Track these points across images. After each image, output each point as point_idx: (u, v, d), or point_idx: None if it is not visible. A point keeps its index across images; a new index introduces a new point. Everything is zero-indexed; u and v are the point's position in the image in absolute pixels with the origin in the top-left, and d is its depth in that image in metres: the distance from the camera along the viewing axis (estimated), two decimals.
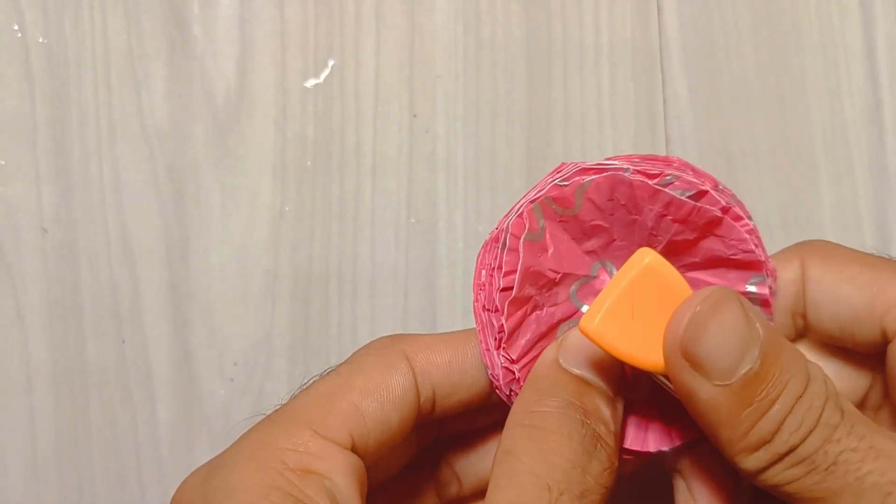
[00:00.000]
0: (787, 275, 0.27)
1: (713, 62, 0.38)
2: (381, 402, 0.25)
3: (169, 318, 0.36)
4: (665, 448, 0.26)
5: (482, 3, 0.38)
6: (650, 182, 0.26)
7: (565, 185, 0.26)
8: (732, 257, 0.26)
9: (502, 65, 0.38)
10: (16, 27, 0.37)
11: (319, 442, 0.24)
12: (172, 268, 0.37)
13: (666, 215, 0.26)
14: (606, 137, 0.37)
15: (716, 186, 0.26)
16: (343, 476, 0.24)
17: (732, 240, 0.26)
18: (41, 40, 0.37)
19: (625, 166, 0.26)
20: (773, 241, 0.37)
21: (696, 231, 0.26)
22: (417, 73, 0.37)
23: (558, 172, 0.27)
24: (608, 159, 0.26)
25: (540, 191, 0.26)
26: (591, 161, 0.27)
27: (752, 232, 0.27)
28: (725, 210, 0.26)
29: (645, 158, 0.27)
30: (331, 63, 0.37)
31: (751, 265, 0.26)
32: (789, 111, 0.38)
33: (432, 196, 0.37)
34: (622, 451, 0.26)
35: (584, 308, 0.27)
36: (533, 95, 0.38)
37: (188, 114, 0.37)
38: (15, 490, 0.36)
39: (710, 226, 0.26)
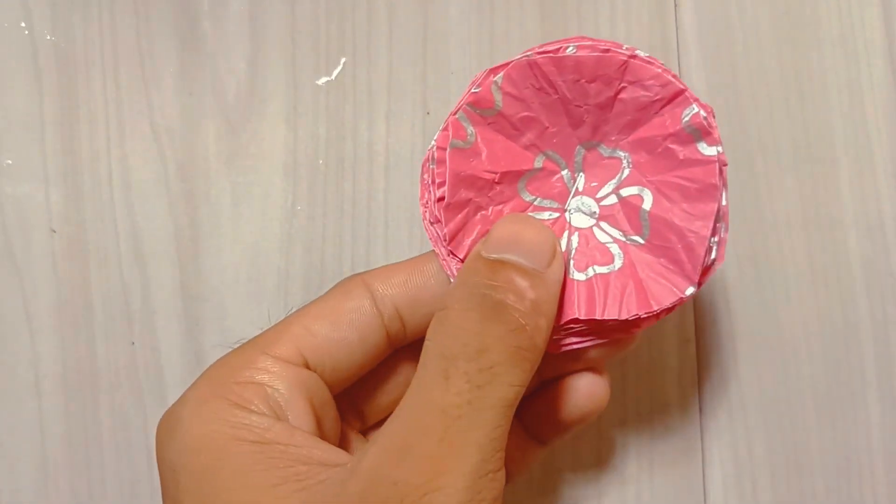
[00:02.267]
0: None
1: (731, 57, 0.37)
2: (333, 323, 0.28)
3: (180, 319, 0.36)
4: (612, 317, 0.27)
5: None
6: (553, 55, 0.27)
7: (479, 90, 0.27)
8: (656, 98, 0.27)
9: None
10: (23, 24, 0.36)
11: (268, 360, 0.27)
12: (183, 268, 0.36)
13: (579, 79, 0.27)
14: None
15: (618, 46, 0.27)
16: (285, 384, 0.26)
17: (648, 80, 0.27)
18: (49, 38, 0.36)
19: (527, 53, 0.27)
20: (794, 240, 0.37)
21: (612, 86, 0.27)
22: (431, 70, 0.37)
23: (473, 82, 0.28)
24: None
25: (460, 102, 0.28)
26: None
27: (666, 70, 0.27)
28: (632, 55, 0.27)
29: (547, 43, 0.28)
30: (343, 60, 0.37)
31: (677, 98, 0.27)
32: (809, 106, 0.37)
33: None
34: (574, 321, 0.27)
35: (536, 201, 0.29)
36: None
37: (199, 112, 0.36)
38: (26, 493, 0.35)
39: (623, 73, 0.27)
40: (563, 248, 0.28)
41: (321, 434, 0.27)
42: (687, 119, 0.27)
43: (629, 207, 0.28)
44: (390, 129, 0.37)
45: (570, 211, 0.29)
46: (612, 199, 0.29)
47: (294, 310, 0.29)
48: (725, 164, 0.27)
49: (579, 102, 0.28)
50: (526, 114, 0.28)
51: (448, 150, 0.27)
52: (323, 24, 0.37)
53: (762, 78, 0.37)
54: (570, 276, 0.28)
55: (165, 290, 0.36)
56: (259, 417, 0.25)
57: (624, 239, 0.28)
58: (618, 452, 0.36)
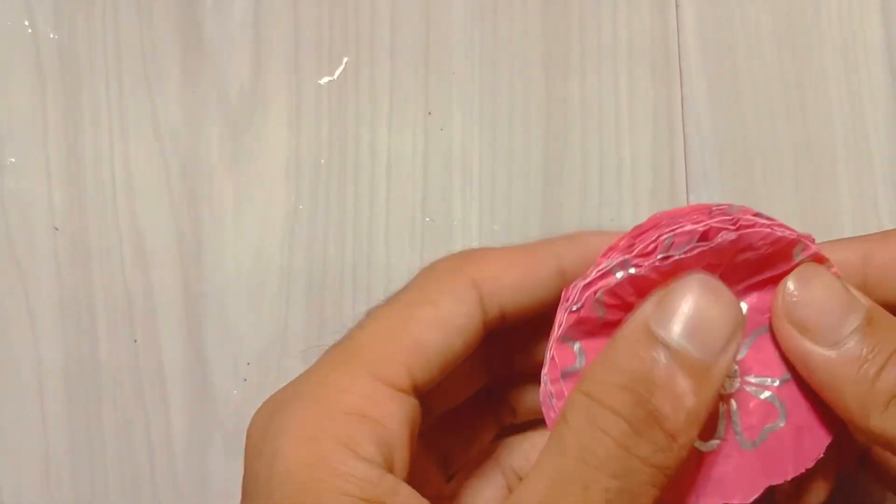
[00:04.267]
0: (849, 263, 0.27)
1: (732, 61, 0.38)
2: (445, 333, 0.25)
3: (182, 319, 0.36)
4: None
5: (499, 1, 0.37)
6: (653, 262, 0.25)
7: (580, 308, 0.25)
8: (767, 252, 0.25)
9: (519, 63, 0.37)
10: (26, 23, 0.36)
11: (377, 386, 0.24)
12: (186, 267, 0.36)
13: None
14: (623, 137, 0.37)
15: (710, 213, 0.25)
16: (396, 422, 0.24)
17: (759, 241, 0.25)
18: (52, 36, 0.36)
19: (624, 261, 0.25)
20: None
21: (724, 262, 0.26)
22: (433, 71, 0.37)
23: (567, 301, 0.26)
24: (602, 257, 0.25)
25: (560, 326, 0.25)
26: (591, 269, 0.25)
27: (770, 224, 0.26)
28: (736, 226, 0.25)
29: (637, 234, 0.26)
30: (345, 60, 0.37)
31: (788, 244, 0.25)
32: (810, 111, 0.38)
33: (447, 195, 0.37)
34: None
35: None
36: (550, 94, 0.37)
37: (201, 113, 0.36)
38: (28, 491, 0.35)
39: (734, 249, 0.25)
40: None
41: (412, 471, 0.25)
42: (800, 257, 0.26)
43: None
44: (392, 130, 0.37)
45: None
46: (756, 392, 0.26)
47: (392, 296, 0.26)
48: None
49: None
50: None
51: (562, 380, 0.25)
52: (326, 24, 0.37)
53: (763, 83, 0.38)
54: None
55: (167, 289, 0.36)
56: (368, 468, 0.23)
57: (738, 433, 0.26)
58: None
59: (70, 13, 0.36)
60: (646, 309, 0.23)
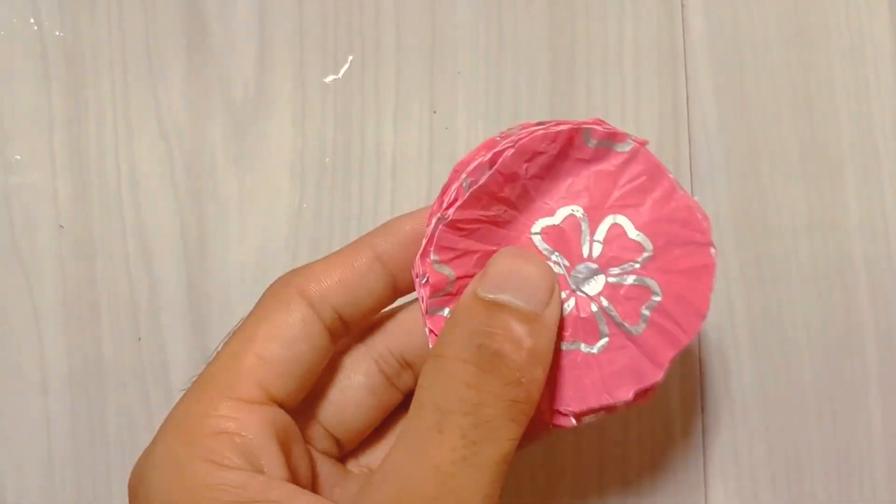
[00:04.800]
0: None
1: (739, 61, 0.37)
2: (286, 343, 0.27)
3: (186, 317, 0.36)
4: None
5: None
6: (459, 204, 0.27)
7: (427, 278, 0.27)
8: (558, 150, 0.27)
9: (524, 62, 0.37)
10: (32, 20, 0.36)
11: (231, 404, 0.26)
12: (190, 266, 0.36)
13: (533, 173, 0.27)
14: None
15: (495, 143, 0.27)
16: (254, 429, 0.26)
17: (540, 145, 0.27)
18: (58, 34, 0.36)
19: (439, 218, 0.27)
20: (798, 246, 0.37)
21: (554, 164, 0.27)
22: (438, 70, 0.37)
23: (417, 277, 0.28)
24: (427, 226, 0.28)
25: (423, 301, 0.27)
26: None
27: (545, 126, 0.27)
28: (515, 143, 0.27)
29: (443, 192, 0.28)
30: (350, 59, 0.37)
31: (570, 135, 0.27)
32: (817, 111, 0.37)
33: None
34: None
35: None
36: (555, 93, 0.37)
37: (206, 111, 0.36)
38: (31, 491, 0.35)
39: (521, 160, 0.27)
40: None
41: (294, 472, 0.27)
42: (591, 142, 0.27)
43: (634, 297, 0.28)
44: (397, 129, 0.37)
45: (576, 275, 0.28)
46: (620, 280, 0.28)
47: (236, 326, 0.28)
48: (645, 143, 0.27)
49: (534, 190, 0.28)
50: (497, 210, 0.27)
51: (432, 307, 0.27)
52: (331, 23, 0.37)
53: (770, 82, 0.37)
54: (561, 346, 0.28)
55: (172, 287, 0.36)
56: (234, 474, 0.25)
57: (620, 324, 0.28)
58: (619, 452, 0.36)
59: (75, 10, 0.36)
60: (472, 283, 0.26)
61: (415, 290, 0.30)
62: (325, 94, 0.37)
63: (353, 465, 0.31)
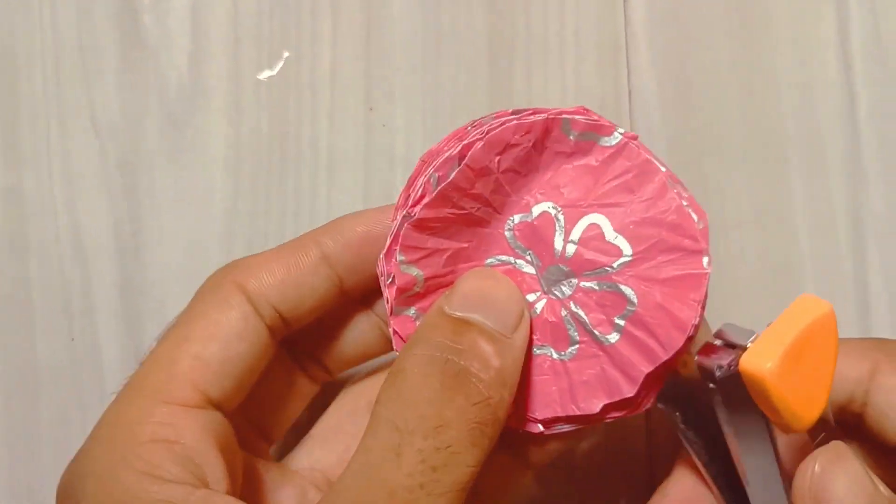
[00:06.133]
0: (853, 373, 0.27)
1: (681, 53, 0.37)
2: (224, 343, 0.26)
3: (121, 316, 0.36)
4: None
5: None
6: (426, 201, 0.25)
7: (392, 278, 0.26)
8: (533, 141, 0.26)
9: (463, 57, 0.37)
10: None
11: (165, 409, 0.25)
12: (124, 264, 0.36)
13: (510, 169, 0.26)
14: None
15: (465, 133, 0.26)
16: (194, 436, 0.24)
17: (513, 136, 0.26)
18: None
19: (405, 215, 0.26)
20: (746, 239, 0.36)
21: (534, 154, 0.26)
22: (375, 66, 0.36)
23: (381, 276, 0.26)
24: (391, 222, 0.27)
25: (388, 302, 0.26)
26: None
27: (519, 115, 0.26)
28: (485, 134, 0.25)
29: (408, 186, 0.27)
30: (285, 55, 0.36)
31: (547, 125, 0.26)
32: (761, 104, 0.37)
33: (390, 191, 0.36)
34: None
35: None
36: (494, 88, 0.36)
37: (140, 107, 0.36)
38: None
39: (492, 152, 0.26)
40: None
41: (232, 479, 0.25)
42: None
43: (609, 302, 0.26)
44: (334, 125, 0.36)
45: (548, 276, 0.27)
46: (593, 286, 0.26)
47: (170, 324, 0.27)
48: (635, 137, 0.26)
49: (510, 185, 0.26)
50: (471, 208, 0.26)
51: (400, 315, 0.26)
52: (266, 18, 0.36)
53: (713, 74, 0.37)
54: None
55: (106, 286, 0.36)
56: (172, 488, 0.23)
57: (591, 332, 0.26)
58: None
59: (5, 4, 0.36)
60: (439, 300, 0.25)
61: (364, 292, 0.29)
62: (259, 90, 0.36)
63: (291, 463, 0.30)
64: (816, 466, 0.24)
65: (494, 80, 0.37)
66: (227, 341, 0.26)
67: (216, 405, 0.26)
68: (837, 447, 0.25)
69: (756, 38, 0.37)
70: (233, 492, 0.25)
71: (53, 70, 0.36)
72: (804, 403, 0.23)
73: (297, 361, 0.30)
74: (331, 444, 0.30)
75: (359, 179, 0.36)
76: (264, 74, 0.36)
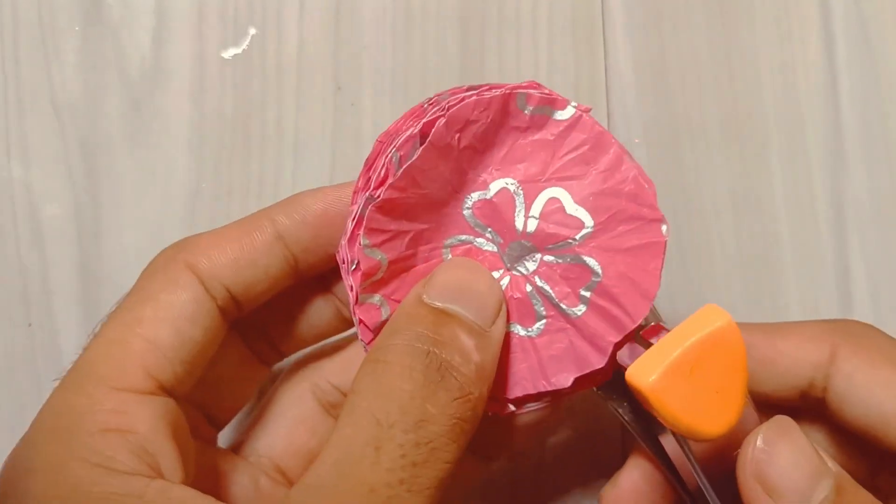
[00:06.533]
0: (812, 357, 0.27)
1: (659, 33, 0.36)
2: (175, 325, 0.25)
3: (79, 301, 0.35)
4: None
5: None
6: (390, 183, 0.25)
7: (356, 264, 0.25)
8: (493, 118, 0.25)
9: (433, 36, 0.36)
10: None
11: (117, 396, 0.23)
12: (83, 248, 0.35)
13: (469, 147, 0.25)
14: None
15: (423, 112, 0.25)
16: (147, 424, 0.23)
17: (473, 112, 0.25)
18: None
19: (367, 198, 0.25)
20: (723, 223, 0.35)
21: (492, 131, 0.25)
22: (343, 44, 0.36)
23: (343, 263, 0.25)
24: (352, 206, 0.26)
25: (352, 290, 0.25)
26: (347, 223, 0.25)
27: (477, 91, 0.25)
28: (445, 111, 0.25)
29: (368, 168, 0.26)
30: (251, 32, 0.35)
31: (503, 101, 0.25)
32: (740, 85, 0.36)
33: (357, 172, 0.35)
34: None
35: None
36: (466, 68, 0.36)
37: (101, 87, 0.35)
38: None
39: (453, 130, 0.25)
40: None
41: (186, 468, 0.24)
42: (527, 108, 0.25)
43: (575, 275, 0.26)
44: (300, 106, 0.35)
45: (510, 252, 0.26)
46: (557, 259, 0.26)
47: (116, 305, 0.26)
48: (588, 110, 0.26)
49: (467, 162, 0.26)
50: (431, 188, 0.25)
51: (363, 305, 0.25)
52: None
53: (691, 55, 0.36)
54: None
55: (64, 270, 0.35)
56: (128, 480, 0.22)
57: (558, 306, 0.26)
58: None
59: None
60: (416, 287, 0.24)
61: (320, 272, 0.28)
62: (224, 69, 0.35)
63: (240, 450, 0.30)
64: (759, 440, 0.23)
65: (466, 59, 0.36)
66: (179, 325, 0.25)
67: (168, 391, 0.25)
68: (781, 421, 0.24)
69: (736, 18, 0.36)
70: (187, 481, 0.24)
71: (11, 49, 0.35)
72: (702, 415, 0.23)
73: (248, 343, 0.29)
74: (276, 430, 0.29)
75: (325, 160, 0.35)
76: (229, 52, 0.35)
